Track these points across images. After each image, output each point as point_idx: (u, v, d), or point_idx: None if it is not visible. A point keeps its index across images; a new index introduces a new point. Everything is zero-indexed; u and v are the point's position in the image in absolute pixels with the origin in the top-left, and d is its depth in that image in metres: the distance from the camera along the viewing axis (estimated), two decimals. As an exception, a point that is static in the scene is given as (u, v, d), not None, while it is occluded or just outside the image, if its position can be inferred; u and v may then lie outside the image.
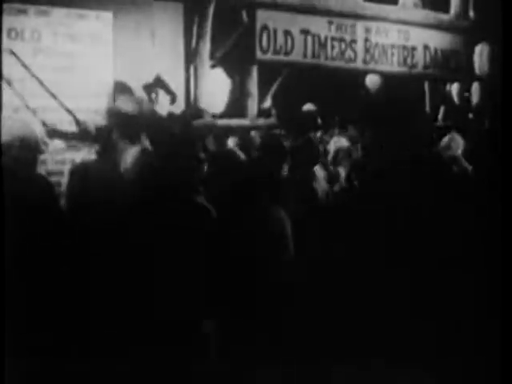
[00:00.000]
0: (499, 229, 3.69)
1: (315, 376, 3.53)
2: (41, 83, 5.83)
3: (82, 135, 5.71)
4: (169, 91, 6.27)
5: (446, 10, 9.29)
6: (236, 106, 7.36)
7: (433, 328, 3.71)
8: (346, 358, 3.58)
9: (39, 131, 4.28)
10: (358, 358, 3.58)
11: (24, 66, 5.78)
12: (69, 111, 5.86)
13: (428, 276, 3.83)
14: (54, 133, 5.53)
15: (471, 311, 3.80)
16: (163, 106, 6.25)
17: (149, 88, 6.25)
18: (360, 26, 8.28)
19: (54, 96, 5.85)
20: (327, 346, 3.60)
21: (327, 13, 7.96)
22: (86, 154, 5.79)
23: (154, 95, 6.21)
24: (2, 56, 5.26)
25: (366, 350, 3.60)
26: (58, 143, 5.71)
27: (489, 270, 3.77)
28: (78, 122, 5.85)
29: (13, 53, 5.75)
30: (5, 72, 5.37)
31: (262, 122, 7.37)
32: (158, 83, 6.24)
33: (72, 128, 5.86)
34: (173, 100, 6.34)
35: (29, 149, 4.12)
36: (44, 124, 5.20)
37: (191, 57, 6.86)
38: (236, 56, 7.33)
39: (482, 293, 3.79)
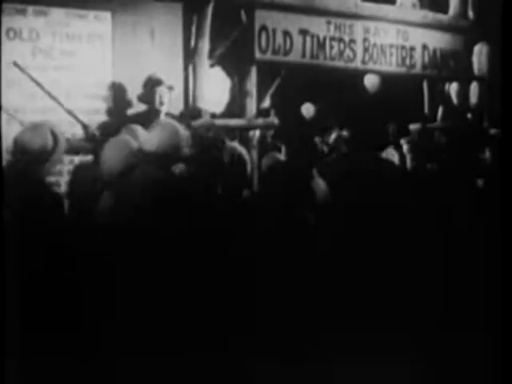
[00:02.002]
0: (499, 229, 3.69)
1: (314, 375, 3.53)
2: (49, 94, 5.81)
3: (90, 139, 5.72)
4: (170, 87, 6.26)
5: (445, 10, 9.29)
6: (235, 105, 7.35)
7: (432, 326, 3.72)
8: (345, 356, 3.58)
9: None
10: (357, 356, 3.58)
11: (34, 80, 5.76)
12: (75, 117, 5.86)
13: (426, 275, 3.83)
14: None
15: (471, 310, 3.80)
16: (165, 103, 6.25)
17: (147, 94, 6.22)
18: (359, 25, 8.27)
19: (59, 103, 5.84)
20: (325, 345, 3.60)
21: (326, 13, 7.95)
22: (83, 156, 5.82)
23: (157, 97, 6.20)
24: (2, 56, 5.26)
25: (366, 348, 3.61)
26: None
27: (488, 268, 3.77)
28: (84, 127, 5.86)
29: (17, 65, 5.74)
30: (4, 73, 5.37)
31: (260, 121, 7.37)
32: (159, 84, 6.22)
33: (75, 130, 5.88)
34: (170, 94, 6.33)
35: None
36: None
37: (190, 56, 6.85)
38: (235, 56, 7.32)
39: (482, 292, 3.79)
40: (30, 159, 4.06)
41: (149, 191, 3.65)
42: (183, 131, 4.35)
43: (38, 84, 5.77)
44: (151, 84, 6.23)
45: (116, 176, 3.93)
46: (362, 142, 5.47)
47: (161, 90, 6.20)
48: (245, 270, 3.44)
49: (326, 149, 6.77)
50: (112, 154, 4.10)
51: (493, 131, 7.63)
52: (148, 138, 4.30)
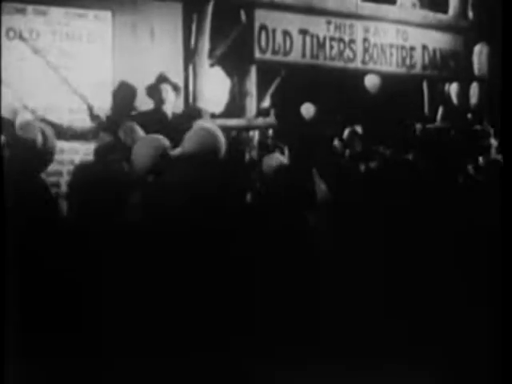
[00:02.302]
0: (499, 228, 3.69)
1: (315, 375, 3.53)
2: (53, 68, 5.84)
3: (93, 120, 5.74)
4: (175, 86, 6.26)
5: (445, 10, 9.29)
6: (234, 105, 7.35)
7: (433, 327, 3.71)
8: (346, 357, 3.58)
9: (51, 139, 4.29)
10: (357, 357, 3.58)
11: (36, 51, 5.81)
12: (81, 96, 5.89)
13: (427, 275, 3.82)
14: (65, 132, 5.61)
15: (471, 310, 3.79)
16: (170, 102, 6.24)
17: (153, 88, 6.22)
18: (359, 25, 8.27)
19: (65, 81, 5.87)
20: (326, 345, 3.59)
21: (326, 13, 7.95)
22: (83, 155, 5.83)
23: (164, 94, 6.19)
24: (2, 56, 5.26)
25: (365, 349, 3.60)
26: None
27: (489, 268, 3.77)
28: (90, 109, 5.88)
29: (23, 38, 5.78)
30: (4, 72, 5.38)
31: (260, 121, 7.38)
32: (163, 80, 6.22)
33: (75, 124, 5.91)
34: (178, 95, 6.35)
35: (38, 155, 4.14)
36: (52, 125, 5.22)
37: (190, 56, 6.85)
38: (234, 55, 7.32)
39: (482, 292, 3.79)
40: (21, 157, 4.09)
41: (181, 192, 3.65)
42: (222, 136, 4.36)
43: (48, 62, 5.82)
44: (159, 80, 6.22)
45: (146, 174, 3.95)
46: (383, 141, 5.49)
47: (164, 88, 6.18)
48: (247, 271, 3.44)
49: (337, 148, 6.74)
50: (143, 152, 4.12)
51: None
52: (186, 139, 4.30)
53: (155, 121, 5.85)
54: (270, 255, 3.51)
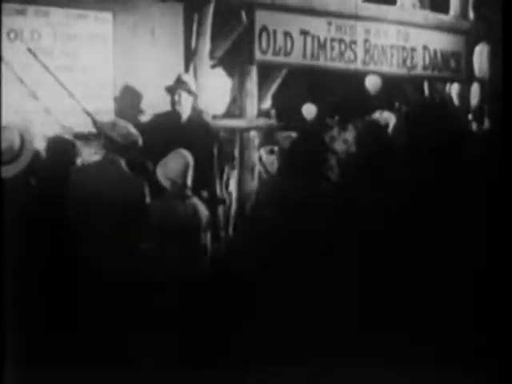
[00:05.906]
0: (498, 227, 3.69)
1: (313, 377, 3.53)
2: (60, 84, 5.86)
3: (99, 136, 5.76)
4: (190, 91, 6.28)
5: (446, 10, 9.29)
6: (235, 106, 7.35)
7: (431, 328, 3.71)
8: (344, 358, 3.58)
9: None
10: (356, 358, 3.58)
11: (43, 66, 5.82)
12: (86, 112, 5.90)
13: (426, 275, 3.83)
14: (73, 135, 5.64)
15: (471, 311, 3.79)
16: (186, 107, 6.26)
17: (171, 90, 6.24)
18: (359, 26, 8.27)
19: (71, 95, 5.89)
20: (324, 347, 3.60)
21: (326, 14, 7.96)
22: (85, 156, 5.84)
23: (176, 97, 6.21)
24: (2, 55, 5.27)
25: (363, 350, 3.60)
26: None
27: (488, 269, 3.77)
28: (95, 123, 5.89)
29: (30, 51, 5.80)
30: (5, 72, 5.39)
31: (261, 122, 7.38)
32: (180, 84, 6.24)
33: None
34: (195, 100, 6.37)
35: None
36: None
37: (191, 57, 6.86)
38: (235, 56, 7.33)
39: (482, 292, 3.79)
40: None
41: None
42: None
43: (52, 74, 5.85)
44: (176, 83, 6.25)
45: None
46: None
47: (181, 92, 6.21)
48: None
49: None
50: None
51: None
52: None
53: (171, 122, 5.92)
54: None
